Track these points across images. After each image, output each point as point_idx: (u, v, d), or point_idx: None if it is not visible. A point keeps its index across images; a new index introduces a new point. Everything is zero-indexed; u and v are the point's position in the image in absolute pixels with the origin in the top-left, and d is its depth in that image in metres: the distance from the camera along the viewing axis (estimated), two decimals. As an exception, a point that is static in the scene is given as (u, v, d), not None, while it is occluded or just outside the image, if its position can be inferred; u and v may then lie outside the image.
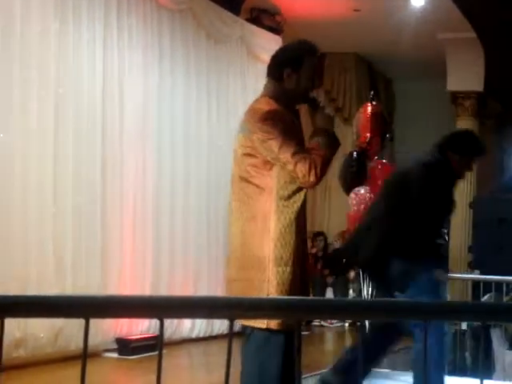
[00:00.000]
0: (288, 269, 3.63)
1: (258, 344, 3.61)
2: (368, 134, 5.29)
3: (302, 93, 3.81)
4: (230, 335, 1.71)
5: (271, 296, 3.51)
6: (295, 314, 1.69)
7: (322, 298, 3.36)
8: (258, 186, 3.67)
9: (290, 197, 3.66)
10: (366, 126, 4.92)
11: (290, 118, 3.75)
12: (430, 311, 1.86)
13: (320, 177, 3.64)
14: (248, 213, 3.69)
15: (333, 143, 3.78)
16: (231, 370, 1.74)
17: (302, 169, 3.59)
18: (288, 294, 3.59)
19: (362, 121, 4.91)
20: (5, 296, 1.55)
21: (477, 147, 5.01)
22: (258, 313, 1.79)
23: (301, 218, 3.70)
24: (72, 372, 5.88)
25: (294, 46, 3.90)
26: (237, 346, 8.33)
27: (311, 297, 3.64)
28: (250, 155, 3.67)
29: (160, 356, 1.71)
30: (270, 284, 3.61)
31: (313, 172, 3.59)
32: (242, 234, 3.70)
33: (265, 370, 3.58)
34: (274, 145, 3.59)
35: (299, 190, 3.68)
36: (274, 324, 3.52)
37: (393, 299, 4.29)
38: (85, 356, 1.60)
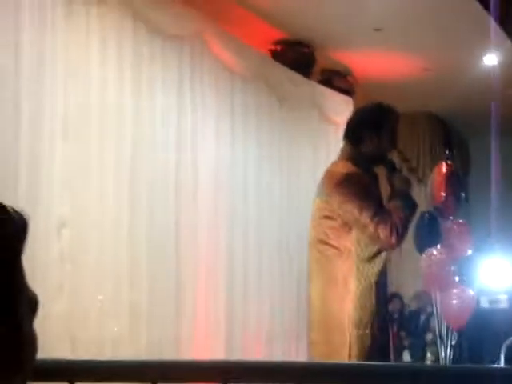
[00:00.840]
0: (368, 331, 3.59)
1: None
2: (443, 194, 5.24)
3: (381, 155, 3.87)
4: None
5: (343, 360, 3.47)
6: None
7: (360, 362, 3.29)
8: (337, 249, 3.69)
9: (370, 259, 3.68)
10: (441, 185, 4.89)
11: (368, 180, 3.81)
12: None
13: (401, 238, 3.67)
14: (327, 275, 3.70)
15: (411, 205, 3.79)
16: None
17: (383, 230, 3.62)
18: (366, 358, 3.54)
19: (437, 180, 4.88)
20: (154, 361, 1.60)
21: None
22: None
23: (382, 280, 3.69)
24: None
25: (373, 108, 3.99)
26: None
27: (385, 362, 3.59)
28: (328, 217, 3.70)
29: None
30: (350, 347, 3.57)
31: (394, 233, 3.63)
32: (322, 296, 3.72)
33: None
34: (354, 207, 3.64)
35: (379, 252, 3.67)
36: None
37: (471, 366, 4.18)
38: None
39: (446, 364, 5.45)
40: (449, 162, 5.48)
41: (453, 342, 4.82)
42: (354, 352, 3.57)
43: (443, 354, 6.77)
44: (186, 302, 7.31)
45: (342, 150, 3.87)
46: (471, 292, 5.89)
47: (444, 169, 4.98)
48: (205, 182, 7.70)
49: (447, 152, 5.80)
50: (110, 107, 6.58)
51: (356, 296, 3.61)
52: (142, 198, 6.90)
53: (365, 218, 3.59)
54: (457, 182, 5.04)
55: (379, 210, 3.65)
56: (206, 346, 7.48)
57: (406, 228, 3.67)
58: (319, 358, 3.64)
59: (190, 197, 7.52)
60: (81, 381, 1.62)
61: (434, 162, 8.41)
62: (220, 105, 8.00)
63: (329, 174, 3.81)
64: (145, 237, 6.88)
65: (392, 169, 4.02)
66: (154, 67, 6.99)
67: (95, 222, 6.40)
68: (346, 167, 3.73)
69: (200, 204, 7.61)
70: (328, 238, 3.67)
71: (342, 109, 9.81)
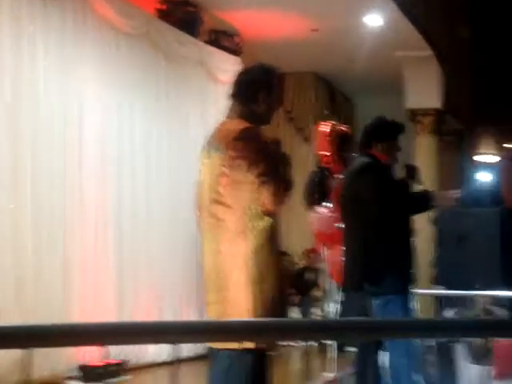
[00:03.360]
0: (265, 287, 3.63)
1: (225, 365, 3.58)
2: (326, 153, 5.30)
3: (271, 114, 3.88)
4: (177, 361, 1.70)
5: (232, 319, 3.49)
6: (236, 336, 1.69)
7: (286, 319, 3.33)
8: (230, 207, 3.68)
9: (262, 215, 3.67)
10: (324, 144, 4.94)
11: (263, 137, 3.78)
12: (397, 329, 1.86)
13: (282, 202, 3.68)
14: (220, 234, 3.69)
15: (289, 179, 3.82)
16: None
17: (265, 191, 3.62)
18: (266, 313, 3.58)
19: (319, 140, 4.92)
20: (28, 326, 1.56)
21: (393, 126, 5.01)
22: (200, 336, 1.78)
23: (274, 235, 3.71)
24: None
25: (261, 69, 3.96)
26: (205, 368, 8.22)
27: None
28: (222, 175, 3.69)
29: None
30: (246, 304, 3.60)
31: (275, 197, 3.63)
32: (216, 256, 3.70)
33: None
34: (244, 163, 3.63)
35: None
36: (241, 344, 3.48)
37: (363, 319, 4.29)
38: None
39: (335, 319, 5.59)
40: (330, 122, 5.53)
41: (341, 298, 4.94)
42: (254, 309, 3.57)
43: (331, 310, 6.93)
44: (73, 270, 7.21)
45: (232, 109, 3.84)
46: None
47: (324, 128, 5.02)
48: (91, 147, 7.57)
49: (326, 112, 5.87)
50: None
51: (251, 253, 3.61)
52: (27, 168, 6.73)
53: (252, 175, 3.60)
54: (340, 141, 5.09)
55: (267, 170, 3.65)
56: (96, 311, 7.42)
57: (286, 195, 3.71)
58: (217, 317, 3.62)
59: (76, 163, 7.37)
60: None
61: (321, 122, 8.51)
62: (105, 64, 7.85)
63: (224, 131, 3.77)
64: (30, 207, 6.73)
65: (278, 146, 4.07)
66: (35, 28, 6.79)
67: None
68: (242, 124, 3.71)
69: (86, 169, 7.48)
70: (221, 197, 3.67)
71: (229, 68, 9.79)
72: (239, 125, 3.73)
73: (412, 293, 4.89)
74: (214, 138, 3.84)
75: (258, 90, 3.79)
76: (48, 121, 7.04)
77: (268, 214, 3.67)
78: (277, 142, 3.93)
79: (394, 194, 4.79)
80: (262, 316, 3.55)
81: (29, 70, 6.80)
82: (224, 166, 3.68)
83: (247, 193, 3.65)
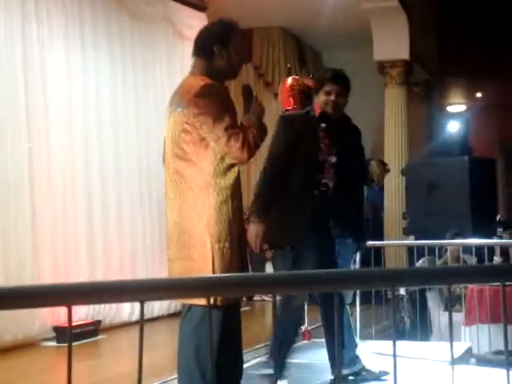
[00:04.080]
0: (227, 245, 3.64)
1: (196, 321, 3.60)
2: (289, 108, 5.27)
3: (233, 69, 3.85)
4: (142, 318, 1.72)
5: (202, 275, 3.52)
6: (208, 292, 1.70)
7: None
8: (194, 164, 3.67)
9: (224, 172, 3.67)
10: (287, 99, 4.92)
11: (225, 92, 3.78)
12: (363, 279, 1.88)
13: (252, 153, 3.67)
14: (184, 191, 3.69)
15: (263, 128, 3.82)
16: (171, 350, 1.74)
17: (235, 143, 3.61)
18: (228, 271, 3.60)
19: (283, 95, 4.90)
20: (72, 284, 1.59)
21: (327, 73, 4.93)
22: (166, 294, 1.80)
23: (236, 193, 3.72)
24: (8, 363, 5.84)
25: (218, 24, 3.94)
26: (167, 326, 8.27)
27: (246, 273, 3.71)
28: (185, 132, 3.67)
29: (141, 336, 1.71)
30: (213, 261, 3.61)
31: (246, 148, 3.62)
32: (179, 212, 3.70)
33: (203, 346, 3.56)
34: (209, 118, 3.60)
35: (233, 165, 3.69)
36: (212, 300, 3.51)
37: (327, 271, 4.32)
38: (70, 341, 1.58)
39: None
40: (294, 77, 5.50)
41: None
42: (217, 265, 3.58)
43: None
44: (42, 231, 7.17)
45: (195, 66, 3.84)
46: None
47: (288, 83, 4.99)
48: (56, 106, 7.49)
49: (289, 66, 5.82)
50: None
51: (212, 210, 3.62)
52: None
53: (218, 129, 3.58)
54: (304, 95, 5.05)
55: (233, 124, 3.65)
56: (66, 271, 7.42)
57: (257, 145, 3.69)
58: (179, 274, 3.63)
59: (42, 122, 7.30)
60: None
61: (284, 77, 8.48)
62: (68, 22, 7.73)
63: (186, 87, 3.75)
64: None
65: (249, 92, 3.97)
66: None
67: None
68: (204, 80, 3.69)
69: (53, 128, 7.42)
70: (185, 154, 3.67)
71: (195, 24, 9.67)
72: (200, 81, 3.70)
73: (338, 242, 4.83)
74: (176, 94, 3.82)
75: (213, 44, 3.77)
76: (11, 79, 6.94)
77: (234, 167, 3.68)
78: (247, 86, 3.95)
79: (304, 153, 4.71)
80: (222, 274, 3.54)
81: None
82: (187, 123, 3.67)
83: (211, 150, 3.64)
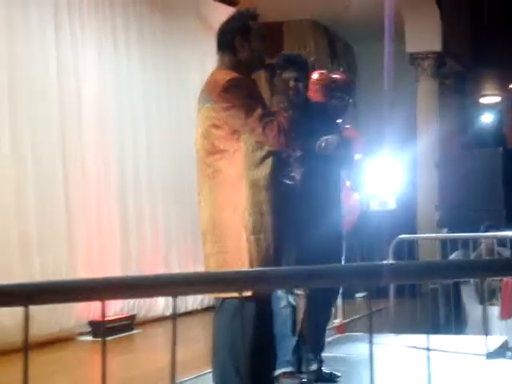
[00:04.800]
0: (262, 236, 3.65)
1: (229, 314, 3.61)
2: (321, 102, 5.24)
3: (258, 59, 3.85)
4: (174, 313, 1.73)
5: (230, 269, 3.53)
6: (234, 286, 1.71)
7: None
8: (226, 157, 3.69)
9: (257, 165, 3.69)
10: (314, 94, 4.90)
11: (251, 84, 3.80)
12: (399, 274, 1.87)
13: (289, 137, 3.70)
14: (218, 185, 3.71)
15: (294, 102, 3.84)
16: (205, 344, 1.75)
17: (271, 131, 3.63)
18: (265, 262, 3.62)
19: (311, 90, 4.88)
20: (28, 284, 1.59)
21: (279, 59, 4.82)
22: (199, 288, 1.81)
23: (272, 184, 3.72)
24: (46, 357, 5.91)
25: (236, 16, 3.98)
26: (200, 321, 8.28)
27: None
28: (216, 126, 3.69)
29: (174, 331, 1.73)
30: (247, 253, 3.63)
31: (282, 133, 3.65)
32: (213, 207, 3.72)
33: (237, 339, 3.58)
34: (240, 111, 3.63)
35: (267, 156, 3.70)
36: (246, 293, 3.50)
37: (360, 264, 4.31)
38: (104, 334, 1.61)
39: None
40: (320, 71, 5.47)
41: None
42: (254, 258, 3.59)
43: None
44: (77, 226, 7.25)
45: (220, 61, 3.85)
46: (356, 196, 6.02)
47: (313, 77, 4.96)
48: (89, 106, 7.55)
49: (312, 59, 5.75)
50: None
51: (247, 202, 3.63)
52: (25, 130, 6.73)
53: (252, 121, 3.61)
54: (329, 88, 5.01)
55: (265, 112, 3.68)
56: (101, 266, 7.49)
57: (291, 125, 3.70)
58: (216, 268, 3.64)
59: (75, 122, 7.36)
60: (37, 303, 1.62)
61: (321, 69, 8.44)
62: (100, 19, 7.78)
63: (213, 82, 3.75)
64: (30, 161, 6.75)
65: (272, 72, 4.04)
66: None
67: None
68: (229, 74, 3.70)
69: (86, 128, 7.48)
70: (217, 148, 3.68)
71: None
72: (225, 75, 3.71)
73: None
74: (204, 90, 3.83)
75: (234, 38, 3.77)
76: (44, 76, 7.01)
77: (268, 159, 3.69)
78: (270, 66, 3.97)
79: None
80: (258, 266, 3.58)
81: (22, 28, 6.76)
82: (217, 117, 3.69)
83: (243, 142, 3.66)
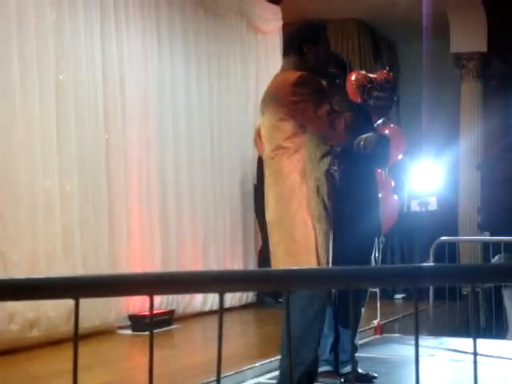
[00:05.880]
0: (326, 226, 3.89)
1: (301, 306, 3.84)
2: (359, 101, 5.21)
3: (322, 67, 4.19)
4: (221, 309, 1.74)
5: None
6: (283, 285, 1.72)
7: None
8: (292, 152, 3.91)
9: (320, 159, 3.93)
10: (351, 94, 4.88)
11: (319, 82, 4.08)
12: (438, 276, 1.84)
13: (353, 133, 4.04)
14: (283, 178, 3.93)
15: (355, 108, 4.24)
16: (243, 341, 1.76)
17: (339, 125, 3.89)
18: (330, 249, 3.89)
19: (348, 89, 4.87)
20: (78, 277, 1.63)
21: None
22: (247, 286, 1.81)
23: (330, 178, 3.96)
24: (86, 349, 5.98)
25: (307, 24, 4.32)
26: (239, 317, 8.31)
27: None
28: (283, 120, 3.93)
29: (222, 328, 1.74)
30: (313, 240, 3.86)
31: (348, 128, 3.93)
32: (280, 199, 3.94)
33: (307, 330, 3.87)
34: (310, 105, 3.87)
35: (328, 152, 3.96)
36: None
37: (403, 266, 4.36)
38: (150, 332, 1.63)
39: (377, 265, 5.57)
40: (356, 71, 5.43)
41: (381, 246, 4.94)
42: (319, 244, 3.82)
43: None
44: (119, 221, 7.32)
45: (286, 63, 4.13)
46: (395, 197, 5.98)
47: (353, 78, 4.93)
48: (133, 101, 7.62)
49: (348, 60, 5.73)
50: (30, 30, 6.45)
51: (312, 192, 3.84)
52: (71, 125, 6.82)
53: (321, 113, 3.84)
54: (365, 88, 4.97)
55: (332, 108, 3.95)
56: (142, 264, 7.55)
57: (355, 125, 3.96)
58: (283, 255, 3.90)
59: (119, 113, 7.44)
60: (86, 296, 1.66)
61: (364, 69, 8.40)
62: (145, 17, 7.84)
63: (280, 81, 4.02)
64: (75, 155, 6.83)
65: (333, 80, 4.34)
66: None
67: (22, 150, 6.34)
68: (298, 73, 3.96)
69: (128, 121, 7.55)
70: (282, 143, 3.91)
71: (269, 18, 9.71)
72: (294, 74, 3.97)
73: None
74: (270, 89, 4.10)
75: (304, 41, 4.08)
76: (90, 74, 7.09)
77: (327, 157, 3.93)
78: (330, 71, 4.20)
79: None
80: (325, 254, 3.84)
81: (69, 28, 6.86)
82: (285, 112, 3.91)
83: (307, 138, 3.89)
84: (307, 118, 3.88)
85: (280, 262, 3.92)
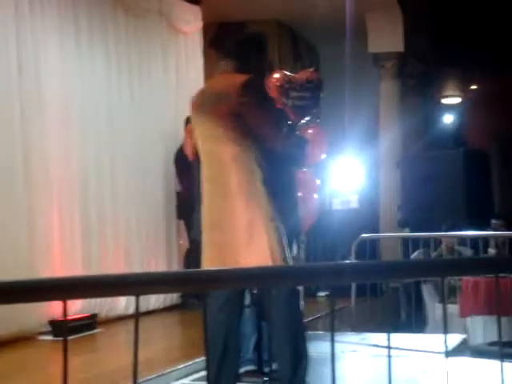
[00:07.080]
0: (277, 224, 3.97)
1: (285, 297, 3.98)
2: (281, 102, 5.23)
3: (262, 75, 4.32)
4: (137, 313, 1.72)
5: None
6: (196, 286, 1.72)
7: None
8: (236, 148, 3.96)
9: (265, 158, 4.01)
10: (273, 95, 4.89)
11: (264, 86, 4.34)
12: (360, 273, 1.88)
13: (288, 142, 4.18)
14: (228, 176, 3.96)
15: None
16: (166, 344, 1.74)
17: (277, 135, 4.06)
18: (282, 249, 3.96)
19: (271, 90, 4.89)
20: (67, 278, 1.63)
21: None
22: (163, 288, 1.81)
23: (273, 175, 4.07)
24: (5, 356, 5.85)
25: (256, 35, 4.77)
26: (162, 320, 8.22)
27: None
28: (227, 119, 3.97)
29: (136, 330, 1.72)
30: (269, 236, 3.92)
31: (284, 137, 4.13)
32: (225, 198, 3.95)
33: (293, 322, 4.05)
34: (259, 106, 3.98)
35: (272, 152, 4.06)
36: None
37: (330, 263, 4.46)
38: (66, 335, 1.59)
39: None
40: (277, 71, 5.45)
41: (301, 245, 4.98)
42: (273, 240, 3.89)
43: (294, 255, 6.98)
44: (38, 225, 7.18)
45: (226, 66, 4.19)
46: (315, 196, 6.03)
47: (273, 78, 4.95)
48: (51, 103, 7.48)
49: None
50: None
51: (262, 187, 3.95)
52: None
53: (269, 114, 4.01)
54: (282, 89, 5.00)
55: (277, 113, 4.23)
56: (62, 265, 7.43)
57: (292, 134, 4.20)
58: (218, 257, 3.92)
59: (37, 117, 7.29)
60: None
61: (284, 69, 8.44)
62: (62, 17, 7.71)
63: (224, 82, 4.09)
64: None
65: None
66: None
67: None
68: (245, 76, 4.05)
69: (48, 124, 7.41)
70: (226, 143, 3.95)
71: (189, 18, 9.69)
72: (239, 76, 4.05)
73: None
74: (215, 89, 4.16)
75: (250, 49, 4.21)
76: (5, 78, 6.94)
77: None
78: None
79: None
80: (279, 251, 3.91)
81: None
82: (232, 112, 3.95)
83: (252, 136, 3.95)
84: (255, 117, 3.97)
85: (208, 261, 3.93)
